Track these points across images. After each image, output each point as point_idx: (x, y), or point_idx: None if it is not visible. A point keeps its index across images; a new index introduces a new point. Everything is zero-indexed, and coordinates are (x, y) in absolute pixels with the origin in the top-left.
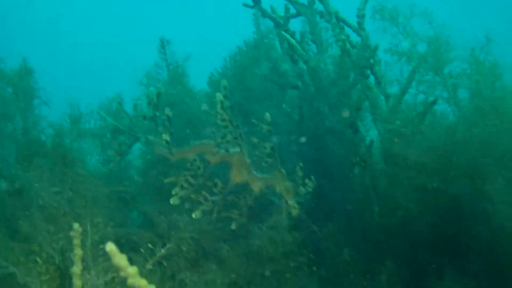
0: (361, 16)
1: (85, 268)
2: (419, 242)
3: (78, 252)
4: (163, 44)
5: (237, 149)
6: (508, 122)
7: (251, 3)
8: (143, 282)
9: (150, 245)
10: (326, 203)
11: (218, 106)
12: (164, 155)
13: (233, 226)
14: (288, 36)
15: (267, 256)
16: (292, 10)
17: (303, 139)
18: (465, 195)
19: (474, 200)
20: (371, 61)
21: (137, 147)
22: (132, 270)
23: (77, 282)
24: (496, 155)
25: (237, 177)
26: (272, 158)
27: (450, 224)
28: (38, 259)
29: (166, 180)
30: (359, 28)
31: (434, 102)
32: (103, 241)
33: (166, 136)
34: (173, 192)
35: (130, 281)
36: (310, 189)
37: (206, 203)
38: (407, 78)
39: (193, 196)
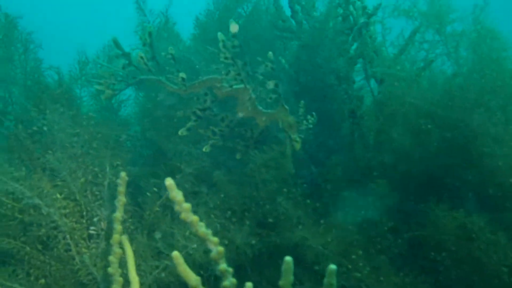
0: None
1: (101, 206)
2: (410, 176)
3: (122, 199)
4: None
5: (241, 85)
6: (503, 74)
7: None
8: (195, 217)
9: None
10: (323, 150)
11: (220, 44)
12: (176, 91)
13: (237, 156)
14: None
15: (260, 178)
16: None
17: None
18: (458, 138)
19: (466, 143)
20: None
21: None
22: (186, 205)
23: (118, 226)
24: (489, 103)
25: (242, 111)
26: (276, 94)
27: (441, 162)
28: (58, 195)
29: (178, 113)
30: None
31: (433, 60)
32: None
33: (182, 74)
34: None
35: (183, 215)
36: (311, 125)
37: (215, 138)
38: (408, 35)
39: (201, 131)
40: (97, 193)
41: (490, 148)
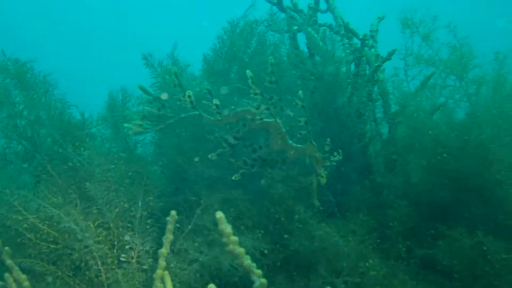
0: (374, 31)
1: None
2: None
3: (170, 236)
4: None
5: (272, 119)
6: None
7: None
8: (241, 250)
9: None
10: (342, 182)
11: (249, 81)
12: (212, 122)
13: (262, 182)
14: (313, 32)
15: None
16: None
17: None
18: (467, 168)
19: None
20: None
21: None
22: (234, 238)
23: (162, 262)
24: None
25: (274, 144)
26: (305, 130)
27: (452, 191)
28: (91, 224)
29: (210, 137)
30: (373, 41)
31: (445, 103)
32: (150, 215)
33: (216, 101)
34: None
35: (230, 247)
36: (334, 163)
37: (246, 167)
38: (422, 81)
39: (232, 160)
40: (129, 224)
41: (502, 175)
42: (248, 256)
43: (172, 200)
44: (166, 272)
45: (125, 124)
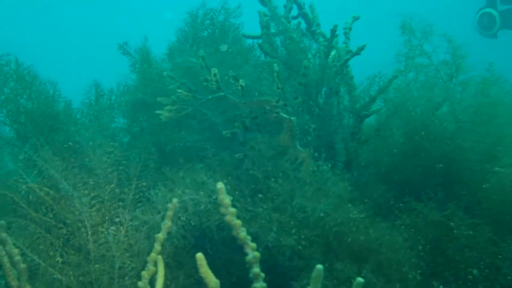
0: (348, 29)
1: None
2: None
3: (168, 223)
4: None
5: (287, 116)
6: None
7: None
8: (238, 222)
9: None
10: None
11: (275, 75)
12: (238, 104)
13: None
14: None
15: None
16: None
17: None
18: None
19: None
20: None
21: None
22: (232, 210)
23: (157, 246)
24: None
25: (282, 139)
26: (311, 137)
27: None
28: (87, 192)
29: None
30: (346, 38)
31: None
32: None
33: (242, 82)
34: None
35: (228, 218)
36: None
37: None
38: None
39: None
40: (120, 203)
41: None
42: (244, 228)
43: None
44: (160, 256)
45: (157, 111)
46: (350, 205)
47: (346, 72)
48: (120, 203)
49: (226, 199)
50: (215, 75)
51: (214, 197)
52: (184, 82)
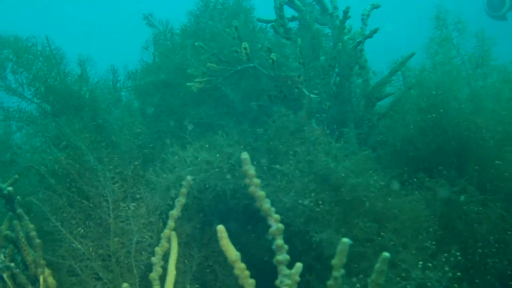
0: (366, 15)
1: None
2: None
3: (182, 200)
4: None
5: (307, 93)
6: None
7: None
8: (262, 193)
9: None
10: None
11: (297, 50)
12: (266, 75)
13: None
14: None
15: None
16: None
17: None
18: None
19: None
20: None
21: None
22: (256, 181)
23: (171, 223)
24: None
25: (301, 117)
26: (326, 115)
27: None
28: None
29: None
30: (363, 24)
31: None
32: None
33: (274, 55)
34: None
35: (252, 189)
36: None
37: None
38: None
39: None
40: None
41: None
42: (268, 200)
43: None
44: (173, 232)
45: (188, 83)
46: (371, 171)
47: (360, 55)
48: (143, 180)
49: (251, 170)
50: (245, 48)
51: (231, 161)
52: (214, 53)
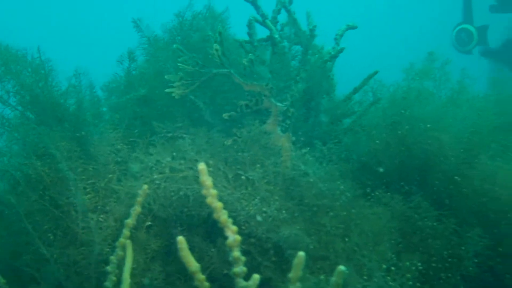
0: (339, 35)
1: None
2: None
3: (138, 209)
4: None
5: (275, 102)
6: None
7: None
8: (219, 204)
9: None
10: None
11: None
12: (241, 84)
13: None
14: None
15: None
16: None
17: None
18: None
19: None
20: None
21: None
22: (214, 191)
23: (126, 232)
24: None
25: (267, 124)
26: (290, 121)
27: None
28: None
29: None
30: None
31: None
32: None
33: (251, 56)
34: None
35: (209, 200)
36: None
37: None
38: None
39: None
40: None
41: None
42: (225, 212)
43: None
44: (129, 241)
45: (167, 90)
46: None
47: (327, 73)
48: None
49: (208, 181)
50: (216, 50)
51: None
52: (193, 56)
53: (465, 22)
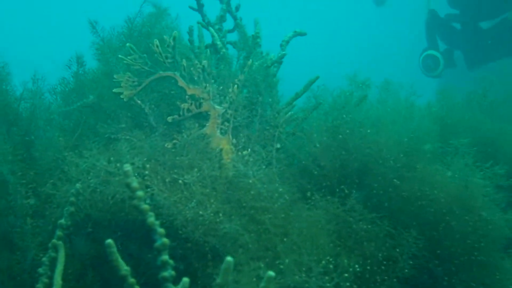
0: (285, 41)
1: None
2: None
3: (71, 209)
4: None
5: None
6: None
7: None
8: (146, 206)
9: None
10: None
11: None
12: (184, 87)
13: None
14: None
15: None
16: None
17: None
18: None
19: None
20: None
21: None
22: (140, 193)
23: (59, 233)
24: None
25: (207, 127)
26: (229, 124)
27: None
28: None
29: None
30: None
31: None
32: None
33: (205, 62)
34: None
35: (135, 202)
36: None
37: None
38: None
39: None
40: None
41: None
42: (152, 214)
43: None
44: (60, 242)
45: (114, 90)
46: (277, 184)
47: (269, 78)
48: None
49: (134, 183)
50: (157, 46)
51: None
52: (143, 56)
53: (430, 48)
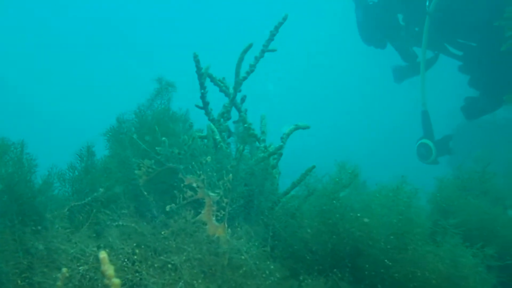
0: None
1: None
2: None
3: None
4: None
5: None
6: None
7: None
8: None
9: None
10: None
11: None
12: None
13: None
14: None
15: None
16: None
17: None
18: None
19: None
20: None
21: None
22: (116, 281)
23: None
24: None
25: (203, 214)
26: (224, 212)
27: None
28: None
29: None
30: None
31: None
32: None
33: (208, 158)
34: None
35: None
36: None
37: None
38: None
39: None
40: None
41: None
42: None
43: None
44: None
45: (136, 172)
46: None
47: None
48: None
49: (110, 270)
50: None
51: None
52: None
53: (425, 137)
